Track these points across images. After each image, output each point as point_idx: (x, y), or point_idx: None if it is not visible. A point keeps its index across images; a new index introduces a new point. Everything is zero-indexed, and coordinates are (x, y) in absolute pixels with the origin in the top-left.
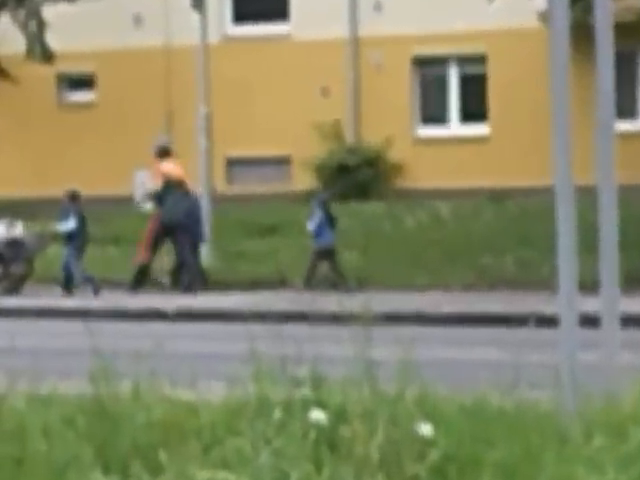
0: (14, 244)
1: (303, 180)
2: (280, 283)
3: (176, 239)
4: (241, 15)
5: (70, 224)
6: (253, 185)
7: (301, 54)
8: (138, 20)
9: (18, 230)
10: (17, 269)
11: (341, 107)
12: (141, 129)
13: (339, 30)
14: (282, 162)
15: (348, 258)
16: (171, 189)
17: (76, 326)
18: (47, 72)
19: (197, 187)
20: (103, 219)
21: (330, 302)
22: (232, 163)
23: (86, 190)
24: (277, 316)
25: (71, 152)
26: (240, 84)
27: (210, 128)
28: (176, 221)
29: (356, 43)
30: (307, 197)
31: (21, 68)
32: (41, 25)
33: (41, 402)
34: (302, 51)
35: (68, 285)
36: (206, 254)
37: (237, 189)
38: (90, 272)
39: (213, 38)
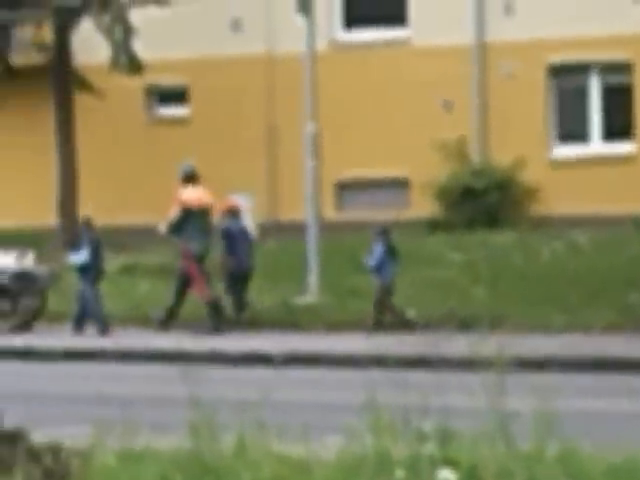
0: (24, 276)
1: (423, 206)
2: (400, 323)
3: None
4: (353, 19)
5: (82, 255)
6: (366, 212)
7: (421, 62)
8: (237, 25)
9: (28, 261)
10: (28, 304)
11: (466, 123)
12: (240, 147)
13: (464, 35)
14: (399, 185)
15: (475, 295)
16: (190, 218)
17: (167, 370)
18: (135, 84)
19: (303, 214)
20: None
21: (457, 345)
22: (343, 187)
23: None
24: (397, 361)
25: (161, 174)
26: (351, 96)
27: (318, 147)
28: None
29: (483, 50)
30: (427, 226)
31: (106, 80)
32: (128, 31)
33: (133, 458)
34: (422, 59)
35: (80, 323)
36: (314, 290)
37: (348, 216)
38: (103, 309)
39: (321, 45)
